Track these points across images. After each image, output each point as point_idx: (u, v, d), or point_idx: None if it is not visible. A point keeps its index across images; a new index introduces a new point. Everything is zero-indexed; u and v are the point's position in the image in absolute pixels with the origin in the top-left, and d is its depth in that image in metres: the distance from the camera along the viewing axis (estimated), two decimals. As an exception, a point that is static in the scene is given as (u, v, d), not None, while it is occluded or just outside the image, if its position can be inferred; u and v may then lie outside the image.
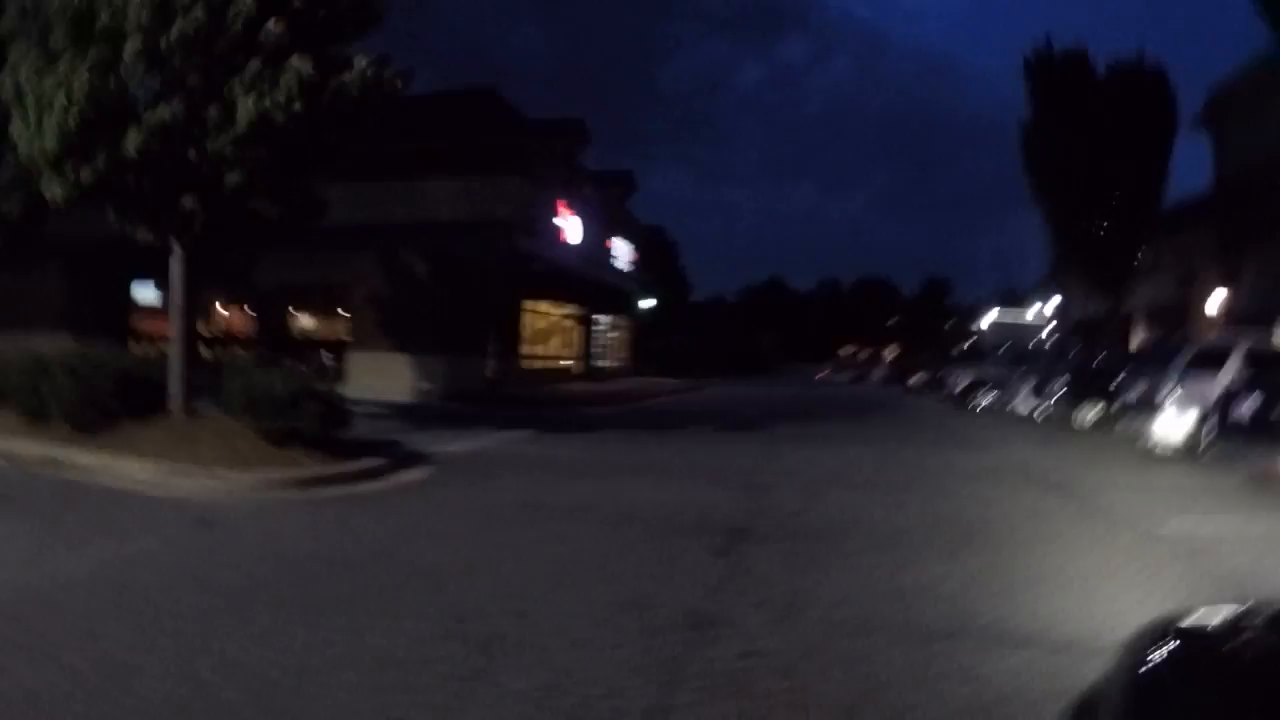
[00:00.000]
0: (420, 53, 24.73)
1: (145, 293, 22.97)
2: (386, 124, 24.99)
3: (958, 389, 22.58)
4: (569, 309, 28.57)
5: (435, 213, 22.39)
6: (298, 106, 8.47)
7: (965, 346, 35.42)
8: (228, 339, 22.25)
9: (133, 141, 8.28)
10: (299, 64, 8.39)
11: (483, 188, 22.42)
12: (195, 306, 12.06)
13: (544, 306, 26.10)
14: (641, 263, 37.20)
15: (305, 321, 21.93)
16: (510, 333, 22.84)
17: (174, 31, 8.11)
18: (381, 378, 19.04)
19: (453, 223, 21.92)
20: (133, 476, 8.25)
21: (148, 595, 4.31)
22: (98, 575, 4.68)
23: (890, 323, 78.42)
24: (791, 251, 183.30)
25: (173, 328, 10.03)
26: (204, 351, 22.17)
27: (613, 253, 32.66)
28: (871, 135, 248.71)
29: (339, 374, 19.75)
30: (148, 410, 9.92)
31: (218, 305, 22.23)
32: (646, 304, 37.31)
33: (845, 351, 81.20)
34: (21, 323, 22.30)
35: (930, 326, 65.39)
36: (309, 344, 21.27)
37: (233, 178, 8.78)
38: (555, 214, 25.22)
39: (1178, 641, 1.33)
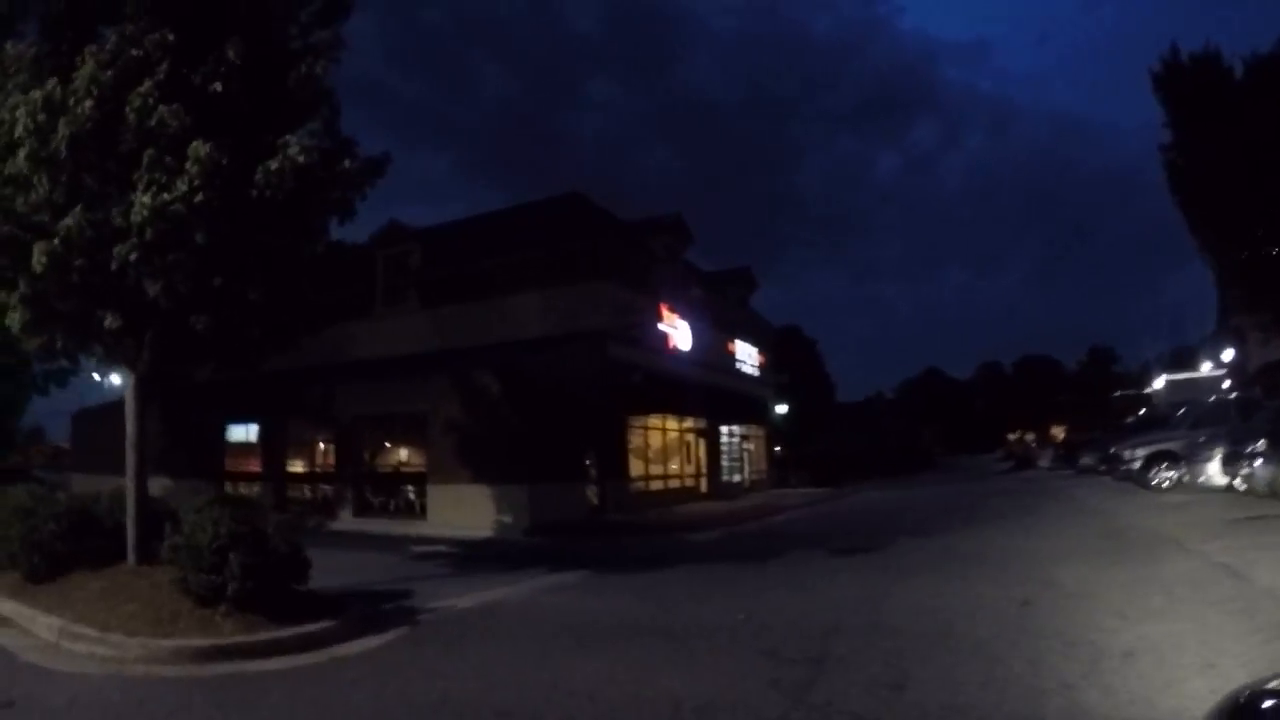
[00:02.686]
0: (555, 181, 24.58)
1: (239, 432, 23.20)
2: (466, 243, 24.83)
3: (1135, 464, 18.65)
4: (688, 422, 26.21)
5: (521, 330, 21.16)
6: (201, 198, 7.09)
7: (1138, 415, 30.35)
8: (312, 478, 21.68)
9: (39, 256, 7.17)
10: (198, 148, 7.07)
11: (569, 297, 21.05)
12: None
13: (656, 421, 23.93)
14: (774, 365, 34.52)
15: (387, 454, 20.93)
16: (615, 453, 20.74)
17: (61, 129, 7.06)
18: (460, 511, 17.38)
19: (540, 339, 20.59)
20: (36, 635, 7.26)
21: None
22: None
23: (1056, 400, 73.24)
24: (948, 339, 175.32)
25: (129, 463, 8.68)
26: (292, 491, 21.73)
27: (737, 357, 30.29)
28: (1014, 207, 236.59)
29: (420, 509, 18.42)
30: (107, 557, 8.58)
31: (320, 443, 21.75)
32: (781, 410, 34.24)
33: (1013, 436, 76.48)
34: (122, 467, 23.09)
35: (1098, 399, 59.77)
36: (390, 478, 20.16)
37: (152, 288, 7.46)
38: (659, 319, 23.42)
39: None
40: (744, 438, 31.16)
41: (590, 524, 17.99)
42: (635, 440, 22.49)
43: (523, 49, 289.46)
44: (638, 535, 16.58)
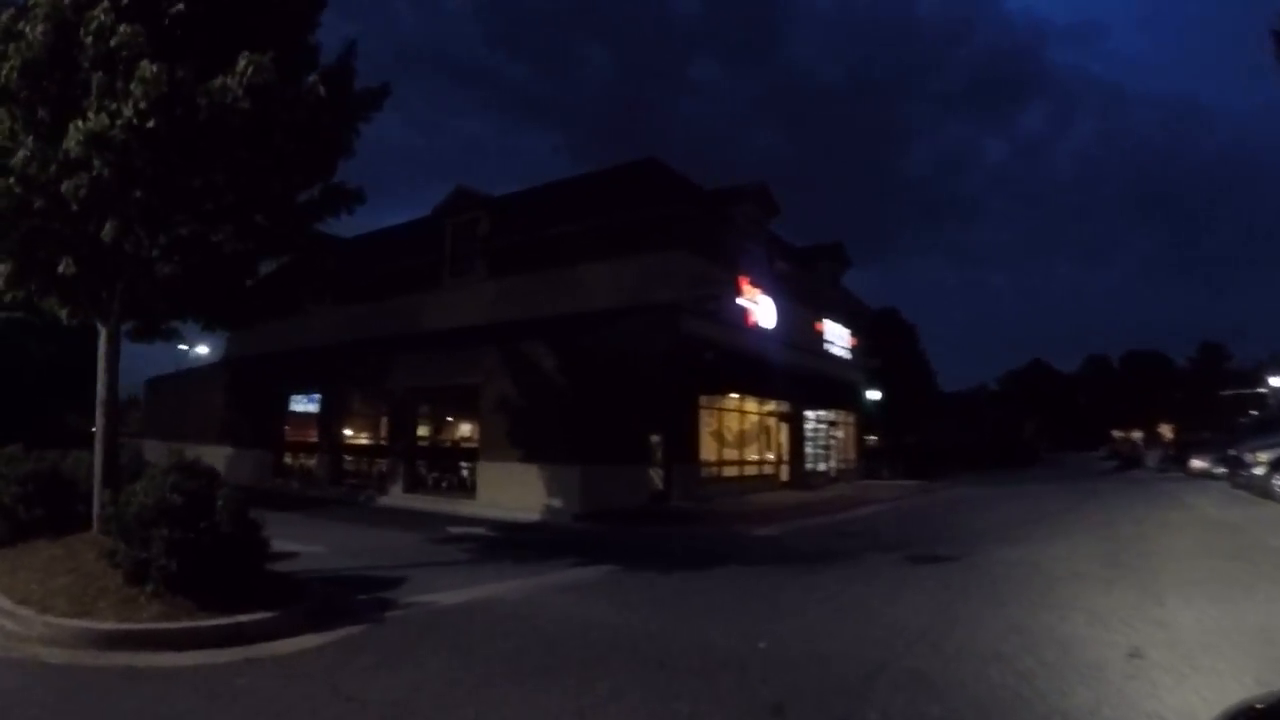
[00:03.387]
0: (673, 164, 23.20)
1: (300, 403, 23.08)
2: (535, 210, 23.73)
3: (1258, 469, 15.94)
4: (769, 405, 24.42)
5: (589, 301, 19.93)
6: (150, 124, 6.11)
7: (1254, 416, 26.57)
8: (366, 450, 21.21)
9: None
10: (144, 68, 6.07)
11: (640, 267, 19.62)
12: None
13: (732, 403, 22.28)
14: (867, 348, 32.09)
15: (440, 428, 20.17)
16: (684, 435, 19.28)
17: (12, 57, 6.22)
18: (510, 491, 16.40)
19: (608, 311, 19.32)
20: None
21: None
22: None
23: (1165, 397, 70.09)
24: (1053, 330, 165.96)
25: (98, 424, 7.91)
26: (349, 463, 21.36)
27: (825, 337, 28.15)
28: (1125, 196, 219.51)
29: (470, 487, 17.56)
30: (76, 523, 7.92)
31: (375, 416, 21.27)
32: (874, 396, 31.80)
33: (1118, 434, 72.75)
34: (190, 434, 23.52)
35: (1209, 397, 55.78)
36: (442, 453, 19.37)
37: (109, 231, 6.56)
38: (739, 293, 21.70)
39: None
40: (831, 424, 29.01)
41: (648, 510, 16.65)
42: (708, 422, 20.94)
43: (625, 31, 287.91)
44: (696, 525, 15.13)
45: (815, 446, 28.01)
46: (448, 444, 19.48)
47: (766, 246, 23.98)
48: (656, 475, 18.57)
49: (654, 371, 18.42)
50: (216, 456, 25.84)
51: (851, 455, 31.10)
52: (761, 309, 22.69)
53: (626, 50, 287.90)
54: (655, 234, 19.59)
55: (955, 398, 53.78)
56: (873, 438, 35.37)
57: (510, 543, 12.29)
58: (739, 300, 21.74)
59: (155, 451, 29.64)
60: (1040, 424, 72.45)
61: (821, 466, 27.87)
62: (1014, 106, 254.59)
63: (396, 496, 18.68)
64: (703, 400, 20.28)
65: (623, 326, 18.14)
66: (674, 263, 19.39)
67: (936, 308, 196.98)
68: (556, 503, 15.71)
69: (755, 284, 22.33)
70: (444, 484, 18.46)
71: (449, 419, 19.89)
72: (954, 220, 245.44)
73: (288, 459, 23.27)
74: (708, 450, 20.52)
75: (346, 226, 10.28)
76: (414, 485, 18.91)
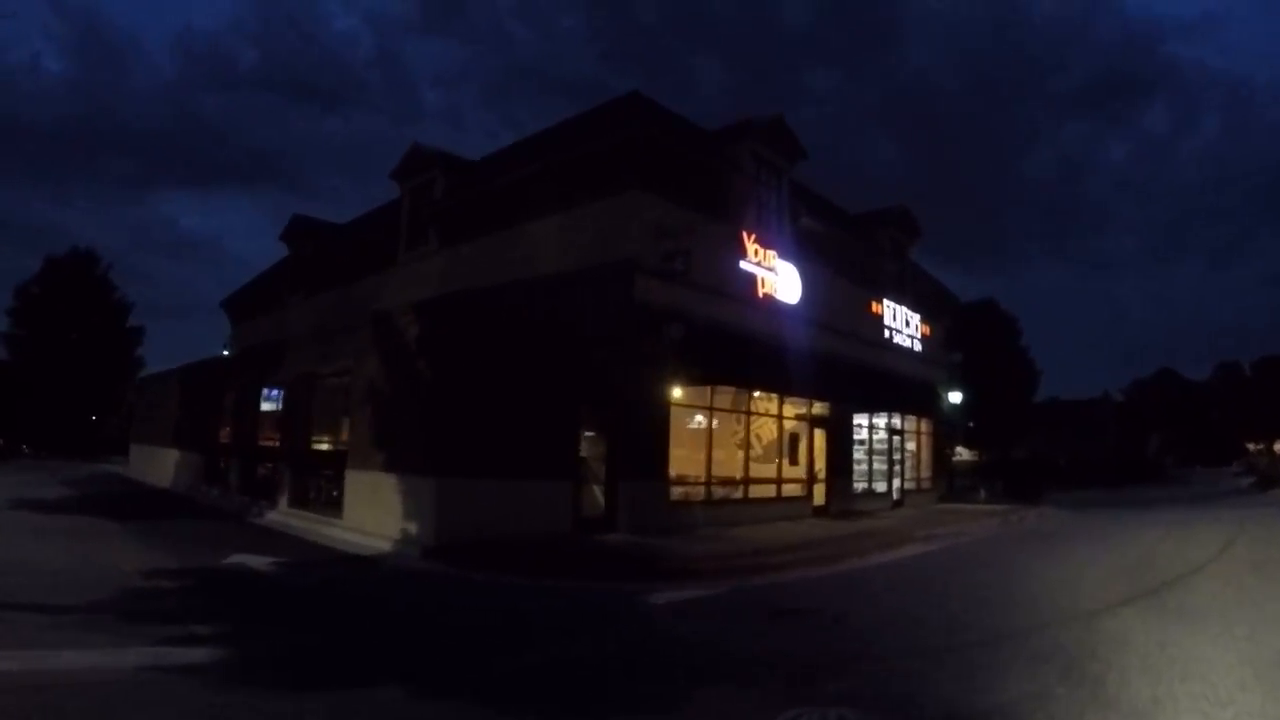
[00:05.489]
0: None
1: (229, 403, 19.41)
2: (497, 166, 19.22)
3: None
4: (794, 405, 18.79)
5: (538, 266, 15.28)
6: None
7: None
8: (262, 455, 17.12)
9: None
10: None
11: (593, 219, 14.76)
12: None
13: (732, 400, 16.84)
14: (949, 340, 25.73)
15: (319, 427, 15.73)
16: (641, 441, 14.11)
17: None
18: (375, 510, 11.93)
19: (547, 276, 14.60)
20: None
21: None
22: None
23: None
24: (1182, 337, 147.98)
25: None
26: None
27: (886, 323, 22.21)
28: (1255, 192, 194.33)
29: (339, 503, 13.15)
30: None
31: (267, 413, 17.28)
32: (956, 398, 25.35)
33: (1255, 447, 66.37)
34: (156, 438, 23.98)
35: None
36: (322, 459, 14.93)
37: None
38: (743, 255, 16.41)
39: None
40: (895, 433, 22.91)
41: (558, 546, 11.59)
42: (689, 425, 15.72)
43: (736, 43, 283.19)
44: (612, 574, 10.05)
45: (875, 461, 22.07)
46: (330, 449, 15.07)
47: (790, 201, 18.53)
48: (599, 493, 13.56)
49: (595, 353, 13.50)
50: (168, 460, 23.11)
51: (927, 472, 24.76)
52: (780, 278, 17.28)
53: (738, 62, 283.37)
54: (609, 171, 14.71)
55: (1075, 407, 46.28)
56: (965, 451, 28.76)
57: (242, 592, 7.76)
58: (743, 264, 16.44)
59: (137, 457, 27.44)
60: (1167, 437, 65.98)
61: (880, 486, 21.85)
62: (1135, 105, 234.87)
63: (283, 511, 14.62)
64: (680, 395, 15.09)
65: (551, 294, 13.36)
66: (629, 207, 14.38)
67: (1060, 315, 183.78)
68: (412, 527, 11.03)
69: (767, 244, 16.97)
70: (322, 499, 14.15)
71: (325, 416, 15.49)
72: (1077, 225, 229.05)
73: (222, 463, 19.85)
74: (686, 463, 15.25)
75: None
76: (299, 499, 14.70)
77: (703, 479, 15.51)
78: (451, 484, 10.95)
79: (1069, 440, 35.23)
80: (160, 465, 23.18)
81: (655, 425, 14.18)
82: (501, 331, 12.47)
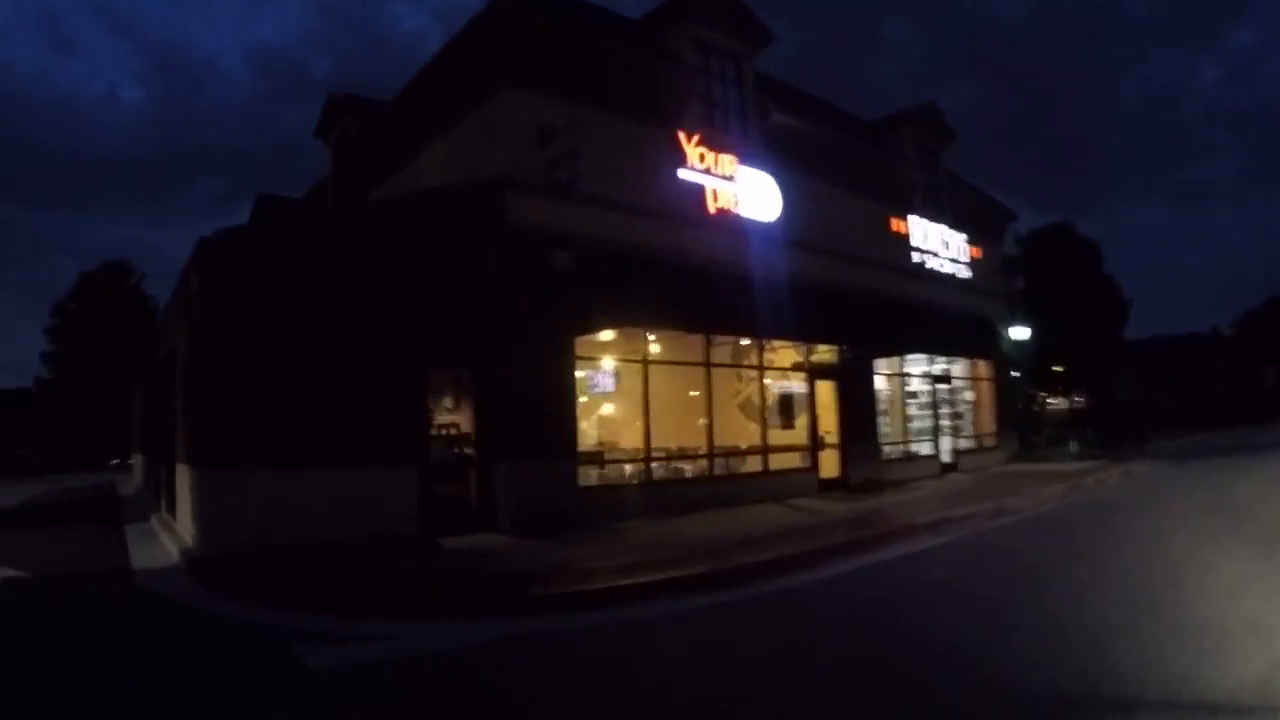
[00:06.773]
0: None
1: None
2: (400, 98, 16.05)
3: None
4: (779, 349, 14.90)
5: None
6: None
7: None
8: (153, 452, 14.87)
9: None
10: None
11: (472, 132, 11.55)
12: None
13: (672, 347, 13.16)
14: (1008, 265, 20.96)
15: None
16: (527, 408, 10.70)
17: None
18: (183, 510, 9.34)
19: (404, 196, 11.48)
20: None
21: None
22: None
23: None
24: None
25: None
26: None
27: (915, 244, 17.88)
28: None
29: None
30: None
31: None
32: (1020, 335, 20.54)
33: None
34: (137, 443, 20.37)
35: None
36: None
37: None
38: (682, 161, 12.75)
39: None
40: (938, 380, 18.52)
41: (371, 558, 8.44)
42: (615, 385, 12.22)
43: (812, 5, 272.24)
44: (420, 605, 6.82)
45: (923, 418, 17.87)
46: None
47: (756, 97, 14.63)
48: (475, 481, 10.33)
49: (458, 298, 10.29)
50: (139, 467, 21.89)
51: (990, 428, 20.17)
52: (744, 190, 13.52)
53: (812, 17, 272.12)
54: (482, 73, 11.40)
55: (1176, 343, 39.76)
56: (1050, 397, 23.95)
57: None
58: (682, 173, 12.77)
59: (136, 465, 26.49)
60: (1281, 373, 56.21)
61: (924, 449, 17.59)
62: (1219, 26, 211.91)
63: (161, 514, 12.37)
64: (593, 345, 11.62)
65: (404, 224, 10.20)
66: (502, 109, 11.02)
67: (1155, 253, 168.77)
68: (189, 534, 8.27)
69: (719, 148, 13.21)
70: (172, 500, 11.61)
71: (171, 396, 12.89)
72: (1170, 156, 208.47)
73: (154, 466, 18.13)
74: (614, 434, 11.77)
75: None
76: (170, 500, 12.23)
77: (641, 454, 12.01)
78: (220, 478, 8.12)
79: (1171, 380, 29.62)
80: (136, 472, 22.11)
81: (550, 387, 10.78)
82: (320, 277, 9.42)
